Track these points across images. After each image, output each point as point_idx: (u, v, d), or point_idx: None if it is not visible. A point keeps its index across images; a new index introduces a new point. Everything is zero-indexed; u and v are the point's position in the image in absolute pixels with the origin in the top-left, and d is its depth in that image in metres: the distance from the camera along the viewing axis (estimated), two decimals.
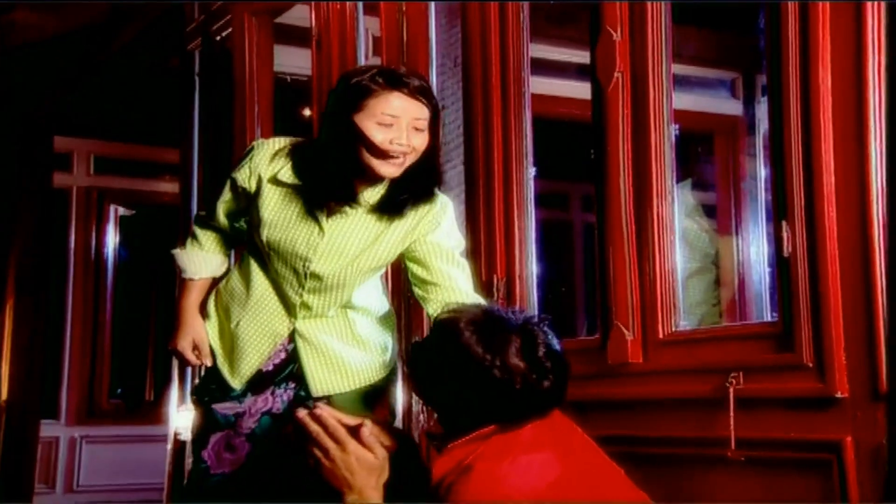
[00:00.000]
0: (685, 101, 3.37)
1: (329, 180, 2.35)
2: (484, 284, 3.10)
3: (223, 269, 2.67)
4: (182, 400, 4.55)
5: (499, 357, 1.90)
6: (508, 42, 3.06)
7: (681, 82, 2.69)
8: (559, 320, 3.35)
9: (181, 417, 4.42)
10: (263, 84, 4.45)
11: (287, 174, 2.41)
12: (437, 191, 2.45)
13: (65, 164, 6.71)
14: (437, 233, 2.43)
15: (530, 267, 3.04)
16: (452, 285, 2.41)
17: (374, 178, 2.36)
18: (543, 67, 3.80)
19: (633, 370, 2.57)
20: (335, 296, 2.45)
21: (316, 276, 2.42)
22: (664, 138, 2.55)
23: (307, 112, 5.90)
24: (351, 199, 2.37)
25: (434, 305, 2.39)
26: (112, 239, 6.90)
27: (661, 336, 2.52)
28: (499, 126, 3.07)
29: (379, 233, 2.41)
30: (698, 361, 2.40)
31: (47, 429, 6.35)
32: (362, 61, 3.86)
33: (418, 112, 2.29)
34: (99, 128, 6.78)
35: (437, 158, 2.41)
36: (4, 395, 5.95)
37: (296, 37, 4.38)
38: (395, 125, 2.27)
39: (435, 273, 2.42)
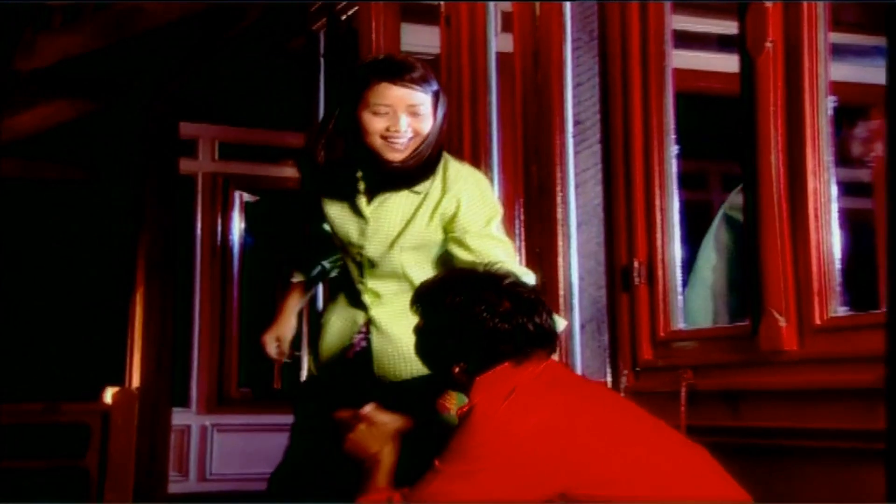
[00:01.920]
0: (842, 71, 3.28)
1: (348, 167, 2.61)
2: (622, 268, 3.10)
3: (322, 274, 2.93)
4: None
5: (487, 308, 2.18)
6: (649, 13, 3.04)
7: (838, 51, 2.62)
8: (719, 308, 3.34)
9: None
10: None
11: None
12: (450, 164, 2.62)
13: (190, 150, 6.88)
14: (463, 209, 2.58)
15: (673, 250, 3.02)
16: (494, 261, 2.47)
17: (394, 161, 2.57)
18: (683, 39, 3.76)
19: (786, 358, 2.52)
20: (394, 279, 2.63)
21: (371, 261, 2.62)
22: (820, 112, 2.49)
23: None
24: (375, 183, 2.60)
25: None
26: (237, 225, 7.05)
27: (817, 322, 2.47)
28: (639, 103, 3.05)
29: (414, 210, 2.59)
30: (858, 349, 2.34)
31: (178, 417, 6.52)
32: (493, 38, 3.89)
33: (412, 98, 2.51)
34: (223, 113, 6.95)
35: (441, 136, 2.59)
36: (137, 383, 6.17)
37: (424, 14, 4.43)
38: (391, 113, 2.51)
39: (472, 251, 2.55)
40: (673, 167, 3.02)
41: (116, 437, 5.72)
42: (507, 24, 3.81)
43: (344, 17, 4.78)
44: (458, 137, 4.00)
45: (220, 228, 6.94)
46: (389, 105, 2.51)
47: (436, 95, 2.56)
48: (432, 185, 2.60)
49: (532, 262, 3.53)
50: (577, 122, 3.45)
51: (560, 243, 3.42)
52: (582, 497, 2.06)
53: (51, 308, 6.78)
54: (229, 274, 6.94)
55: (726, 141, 3.10)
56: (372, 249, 2.61)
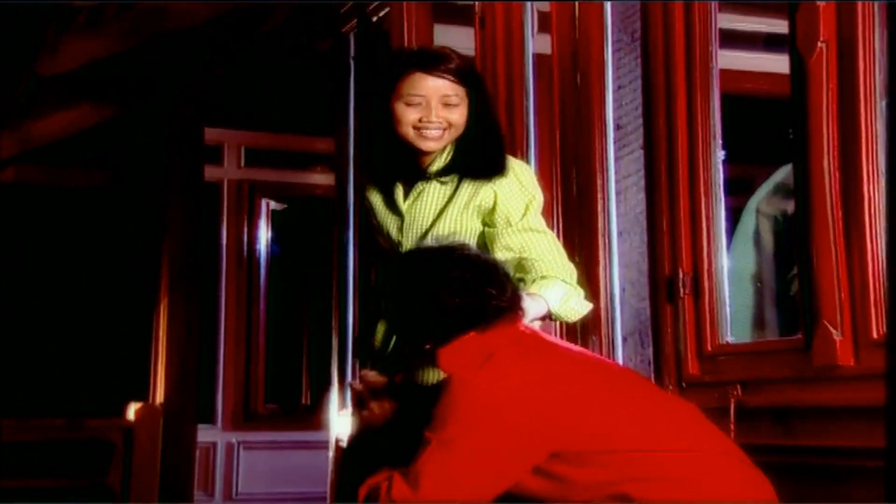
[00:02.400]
0: None
1: (384, 161, 2.71)
2: (666, 279, 3.08)
3: None
4: (342, 404, 4.65)
5: (447, 281, 2.31)
6: (694, 12, 3.02)
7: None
8: (758, 317, 3.30)
9: (341, 423, 4.52)
10: None
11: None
12: (501, 162, 2.66)
13: (215, 156, 6.92)
14: (501, 201, 2.63)
15: (720, 260, 2.99)
16: (535, 255, 2.61)
17: (429, 152, 2.66)
18: (729, 39, 3.73)
19: (841, 374, 2.49)
20: None
21: None
22: (875, 114, 2.46)
23: None
24: (410, 175, 2.69)
25: (530, 276, 2.61)
26: (264, 234, 7.07)
27: (874, 336, 2.43)
28: (683, 105, 3.03)
29: (446, 202, 2.66)
30: None
31: (204, 433, 6.52)
32: (529, 39, 3.87)
33: (446, 89, 2.59)
34: (249, 118, 6.98)
35: (489, 127, 2.67)
36: (161, 398, 6.19)
37: (457, 14, 4.42)
38: (424, 103, 2.59)
39: (512, 249, 2.62)
40: (719, 172, 2.99)
41: (140, 455, 5.75)
42: (545, 24, 3.79)
43: (375, 19, 4.79)
44: None
45: (246, 237, 6.97)
46: (423, 95, 2.59)
47: (474, 87, 2.63)
48: (470, 178, 2.65)
49: None
50: (618, 127, 3.43)
51: (601, 253, 3.40)
52: (577, 454, 2.16)
53: (72, 319, 6.83)
54: (255, 285, 6.96)
55: (775, 145, 3.07)
56: (408, 244, 2.67)
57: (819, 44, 2.54)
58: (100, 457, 6.01)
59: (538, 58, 3.87)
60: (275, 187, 7.14)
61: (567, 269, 2.62)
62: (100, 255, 6.90)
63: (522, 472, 2.19)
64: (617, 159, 3.45)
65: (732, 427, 2.69)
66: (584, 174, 3.48)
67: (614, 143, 3.43)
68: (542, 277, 2.60)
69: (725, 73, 3.05)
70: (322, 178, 6.73)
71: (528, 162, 3.82)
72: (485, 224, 2.66)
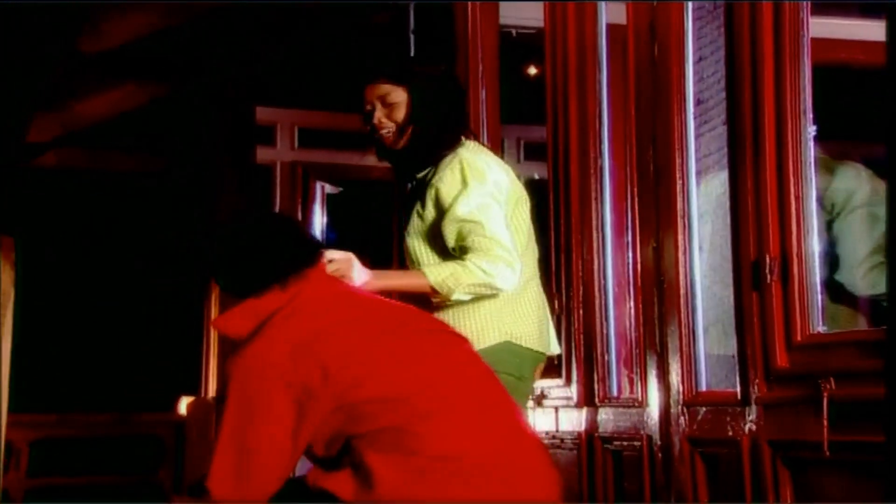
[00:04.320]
0: None
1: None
2: (752, 264, 3.05)
3: None
4: None
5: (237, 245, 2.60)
6: None
7: None
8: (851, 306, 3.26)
9: None
10: (488, 40, 4.52)
11: None
12: (459, 150, 2.99)
13: (267, 137, 6.95)
14: (442, 194, 2.94)
15: (811, 244, 2.95)
16: (465, 244, 2.91)
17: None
18: (820, 5, 3.69)
19: None
20: (413, 267, 3.05)
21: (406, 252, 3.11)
22: None
23: (532, 70, 5.95)
24: (397, 177, 3.15)
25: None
26: (319, 219, 7.11)
27: None
28: (770, 78, 2.99)
29: (419, 198, 3.03)
30: None
31: None
32: (603, 9, 3.87)
33: (380, 91, 2.99)
34: (303, 96, 7.01)
35: (422, 121, 2.99)
36: (213, 392, 6.27)
37: None
38: (372, 109, 2.99)
39: (447, 240, 2.96)
40: (809, 150, 2.95)
41: (191, 450, 5.82)
42: None
43: None
44: (563, 120, 3.98)
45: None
46: (370, 102, 3.01)
47: (412, 82, 2.99)
48: (432, 171, 3.01)
49: (648, 258, 3.50)
50: (698, 102, 3.41)
51: (680, 237, 3.38)
52: (359, 407, 2.37)
53: (119, 310, 6.93)
54: None
55: (870, 119, 3.02)
56: (406, 241, 3.08)
57: None
58: (150, 453, 6.10)
59: (612, 28, 3.86)
60: (330, 170, 7.16)
61: (486, 256, 2.88)
62: (147, 243, 6.99)
63: (308, 427, 2.38)
64: (697, 137, 3.43)
65: (825, 423, 2.67)
66: (661, 153, 3.47)
67: (694, 119, 3.41)
68: (457, 261, 2.92)
69: (817, 42, 3.01)
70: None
71: (600, 140, 3.82)
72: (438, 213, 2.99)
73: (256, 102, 6.68)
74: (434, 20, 4.86)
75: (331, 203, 7.19)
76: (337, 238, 7.24)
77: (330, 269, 2.75)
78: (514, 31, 4.99)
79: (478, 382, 2.53)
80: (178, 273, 6.79)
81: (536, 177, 5.92)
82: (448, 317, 2.97)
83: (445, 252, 2.99)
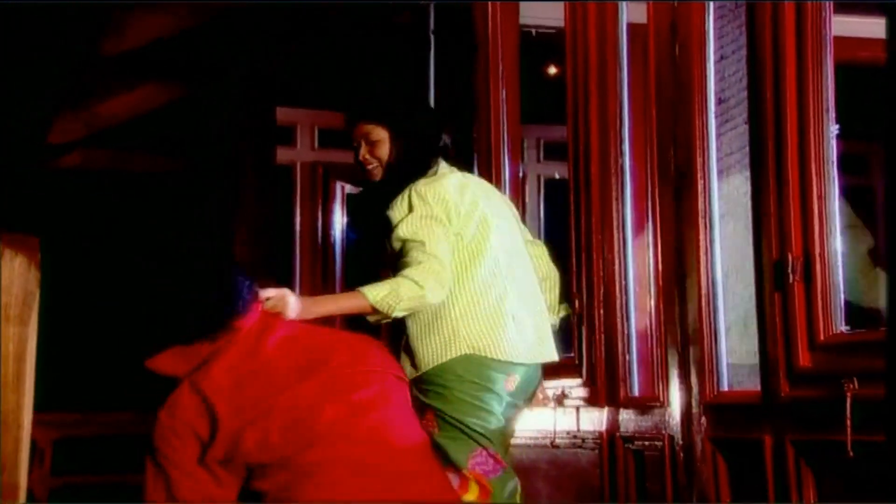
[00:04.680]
0: None
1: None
2: (774, 264, 3.04)
3: None
4: None
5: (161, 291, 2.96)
6: None
7: None
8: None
9: None
10: (508, 39, 4.51)
11: None
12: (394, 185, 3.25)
13: (287, 137, 6.96)
14: (390, 213, 3.19)
15: (833, 243, 2.94)
16: (405, 261, 3.14)
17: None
18: (842, 4, 3.67)
19: None
20: None
21: None
22: None
23: (553, 70, 5.94)
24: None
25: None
26: (339, 219, 7.10)
27: None
28: (792, 77, 2.98)
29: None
30: None
31: None
32: (623, 7, 3.85)
33: (363, 130, 3.29)
34: (322, 97, 7.01)
35: (404, 156, 3.28)
36: None
37: None
38: (358, 145, 3.29)
39: (395, 252, 3.20)
40: (832, 149, 2.94)
41: None
42: None
43: None
44: (584, 119, 3.97)
45: (320, 223, 7.00)
46: (355, 138, 3.31)
47: (390, 120, 3.26)
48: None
49: (669, 258, 3.48)
50: (720, 101, 3.40)
51: (702, 237, 3.37)
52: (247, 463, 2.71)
53: (140, 310, 6.95)
54: (331, 272, 7.00)
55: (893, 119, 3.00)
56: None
57: None
58: None
59: (632, 27, 3.85)
60: (350, 170, 7.12)
61: (420, 270, 3.08)
62: (169, 243, 7.00)
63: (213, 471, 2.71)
64: (719, 136, 3.42)
65: (849, 424, 2.65)
66: (682, 152, 3.45)
67: (716, 118, 3.40)
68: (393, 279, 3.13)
69: (839, 41, 3.00)
70: None
71: (620, 139, 3.80)
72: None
73: (277, 103, 6.68)
74: (454, 20, 4.85)
75: (351, 203, 7.18)
76: (357, 237, 7.24)
77: (267, 306, 3.00)
78: (534, 31, 4.99)
79: (369, 434, 2.81)
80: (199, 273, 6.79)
81: (557, 177, 5.92)
82: (412, 335, 3.21)
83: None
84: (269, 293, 3.02)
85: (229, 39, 6.10)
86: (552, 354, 3.36)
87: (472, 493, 3.11)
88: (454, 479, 3.09)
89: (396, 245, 3.17)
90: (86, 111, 6.41)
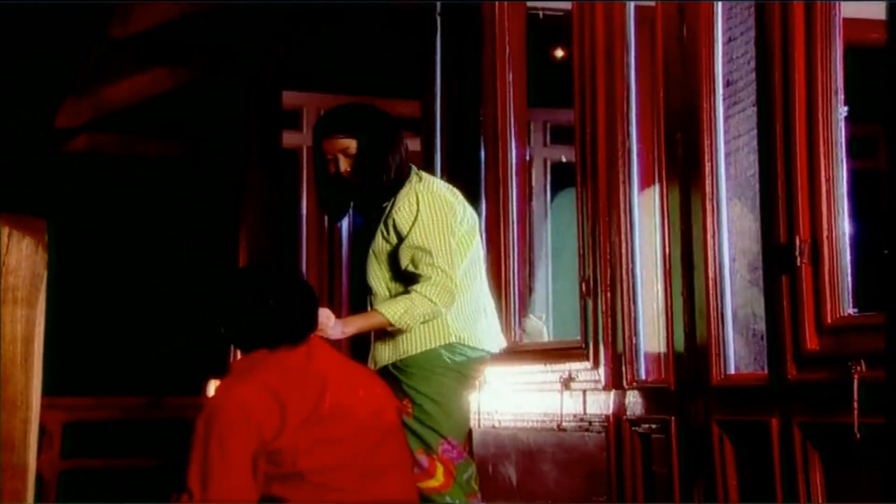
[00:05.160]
0: None
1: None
2: (782, 247, 3.03)
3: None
4: None
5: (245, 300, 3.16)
6: None
7: None
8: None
9: None
10: (515, 22, 4.50)
11: None
12: (413, 180, 3.51)
13: (294, 121, 6.95)
14: (397, 220, 3.43)
15: (841, 226, 2.93)
16: (417, 270, 3.41)
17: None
18: None
19: None
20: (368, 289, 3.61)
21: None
22: None
23: (560, 52, 5.92)
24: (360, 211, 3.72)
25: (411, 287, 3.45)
26: None
27: None
28: (801, 59, 2.97)
29: (381, 227, 3.49)
30: None
31: None
32: None
33: (341, 144, 3.47)
34: (329, 80, 6.99)
35: (375, 162, 3.48)
36: None
37: None
38: (333, 158, 3.48)
39: (403, 261, 3.43)
40: (841, 131, 2.93)
41: None
42: None
43: None
44: (591, 102, 3.96)
45: None
46: (330, 152, 3.49)
47: (365, 134, 3.45)
48: (392, 201, 3.47)
49: (676, 241, 3.48)
50: (728, 83, 3.38)
51: (709, 220, 3.36)
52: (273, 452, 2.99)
53: (148, 294, 6.96)
54: (337, 257, 6.99)
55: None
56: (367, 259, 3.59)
57: None
58: (180, 436, 6.12)
59: (640, 9, 3.83)
60: None
61: (433, 287, 3.37)
62: (177, 228, 7.01)
63: (255, 467, 2.98)
64: (727, 118, 3.40)
65: (856, 406, 2.64)
66: (690, 135, 3.44)
67: (724, 100, 3.38)
68: (408, 292, 3.39)
69: (849, 22, 2.98)
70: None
71: (628, 122, 3.79)
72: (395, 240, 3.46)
73: (283, 87, 6.67)
74: (461, 4, 4.84)
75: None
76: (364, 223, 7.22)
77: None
78: (540, 14, 4.98)
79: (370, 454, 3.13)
80: (206, 258, 6.81)
81: (564, 160, 5.90)
82: (397, 329, 3.43)
83: (398, 273, 3.47)
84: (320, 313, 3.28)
85: (235, 23, 6.10)
86: (503, 344, 3.79)
87: (437, 478, 3.43)
88: (423, 461, 3.41)
89: (407, 252, 3.40)
90: (93, 95, 6.41)
